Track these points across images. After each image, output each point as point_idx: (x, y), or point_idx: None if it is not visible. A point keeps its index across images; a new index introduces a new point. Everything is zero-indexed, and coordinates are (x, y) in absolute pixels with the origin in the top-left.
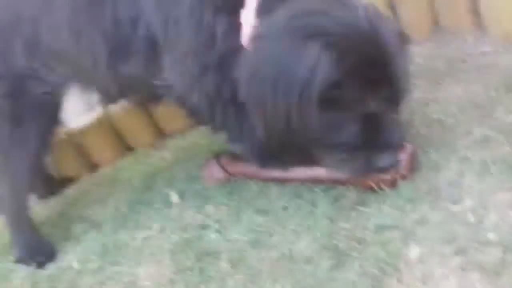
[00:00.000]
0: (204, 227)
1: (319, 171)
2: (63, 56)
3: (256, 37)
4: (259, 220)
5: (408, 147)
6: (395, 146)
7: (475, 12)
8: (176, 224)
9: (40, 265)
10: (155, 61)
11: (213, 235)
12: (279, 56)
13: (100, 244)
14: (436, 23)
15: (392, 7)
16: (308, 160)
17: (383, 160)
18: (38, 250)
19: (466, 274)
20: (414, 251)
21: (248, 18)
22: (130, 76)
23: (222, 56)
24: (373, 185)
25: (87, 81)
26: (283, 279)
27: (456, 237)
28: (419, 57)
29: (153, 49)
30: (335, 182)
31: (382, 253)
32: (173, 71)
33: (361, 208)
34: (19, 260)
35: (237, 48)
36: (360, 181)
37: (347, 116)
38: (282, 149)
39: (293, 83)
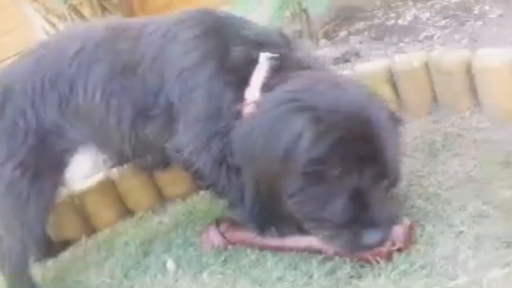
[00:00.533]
0: None
1: (315, 241)
2: (90, 115)
3: (252, 111)
4: None
5: (405, 220)
6: (383, 223)
7: (472, 89)
8: None
9: None
10: (169, 125)
11: None
12: (268, 124)
13: None
14: (434, 100)
15: (393, 84)
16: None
17: (370, 237)
18: None
19: None
20: None
21: (251, 94)
22: (147, 137)
23: (227, 125)
24: (369, 257)
25: (105, 140)
26: None
27: None
28: (418, 131)
29: (169, 116)
30: (331, 253)
31: None
32: (185, 136)
33: (356, 281)
34: None
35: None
36: (356, 254)
37: (332, 191)
38: (273, 212)
39: (278, 150)
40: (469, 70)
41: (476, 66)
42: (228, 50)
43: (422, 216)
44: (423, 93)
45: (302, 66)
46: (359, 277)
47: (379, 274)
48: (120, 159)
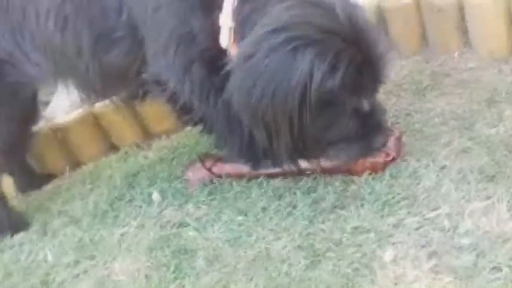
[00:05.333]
0: (183, 225)
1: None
2: (47, 46)
3: (245, 58)
4: (238, 220)
5: (395, 131)
6: (383, 127)
7: (462, 29)
8: (155, 221)
9: (12, 233)
10: (137, 50)
11: (191, 233)
12: (273, 73)
13: (77, 239)
14: (424, 39)
15: (383, 22)
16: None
17: (377, 140)
18: (9, 221)
19: (439, 277)
20: (388, 254)
21: (225, 21)
22: (115, 65)
23: (203, 51)
24: (366, 170)
25: (70, 75)
26: (257, 277)
27: (431, 242)
28: (406, 70)
29: (134, 35)
30: (325, 172)
31: (357, 254)
32: (157, 64)
33: (339, 211)
34: None
35: (217, 48)
36: (353, 168)
37: (340, 112)
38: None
39: (290, 93)
40: (460, 8)
41: (466, 3)
42: None
43: (407, 152)
44: (413, 31)
45: None
46: (342, 207)
47: (362, 205)
48: (93, 96)
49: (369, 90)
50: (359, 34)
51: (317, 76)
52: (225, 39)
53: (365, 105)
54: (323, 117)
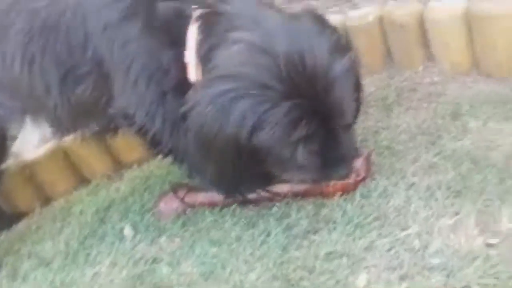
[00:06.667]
0: (156, 260)
1: (277, 188)
2: (14, 86)
3: (194, 102)
4: (212, 251)
5: (363, 151)
6: (346, 157)
7: (424, 44)
8: (128, 258)
9: None
10: (103, 84)
11: (165, 269)
12: (213, 119)
13: (48, 282)
14: (388, 55)
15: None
16: (268, 181)
17: (338, 172)
18: None
19: None
20: (361, 279)
21: (189, 57)
22: (82, 101)
23: (177, 85)
24: (337, 192)
25: (39, 112)
26: None
27: (402, 263)
28: (372, 86)
29: (100, 70)
30: (297, 195)
31: (331, 281)
32: (125, 98)
33: (312, 236)
34: None
35: (187, 83)
36: (325, 190)
37: (290, 147)
38: (238, 178)
39: (227, 140)
40: (421, 23)
41: (427, 18)
42: (154, 3)
43: (377, 170)
44: (377, 48)
45: (235, 25)
46: (315, 232)
47: (334, 228)
48: (64, 130)
49: (316, 138)
50: (302, 86)
51: (246, 128)
52: (192, 74)
53: (302, 155)
54: (264, 159)
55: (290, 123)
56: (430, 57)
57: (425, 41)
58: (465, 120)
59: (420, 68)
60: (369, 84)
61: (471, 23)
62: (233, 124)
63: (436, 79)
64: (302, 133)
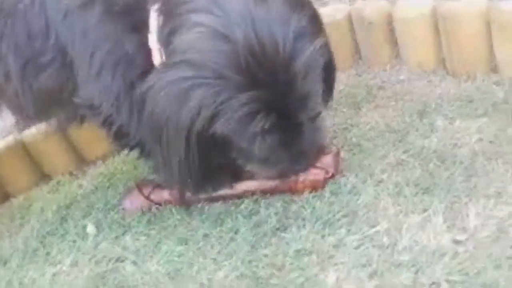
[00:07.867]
0: (120, 259)
1: (245, 185)
2: None
3: (149, 86)
4: (179, 250)
5: (333, 148)
6: (308, 152)
7: (392, 42)
8: (90, 257)
9: None
10: (68, 72)
11: (129, 268)
12: (166, 105)
13: (5, 282)
14: (357, 53)
15: None
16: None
17: (298, 167)
18: None
19: None
20: (331, 276)
21: (152, 42)
22: (45, 89)
23: (143, 73)
24: (306, 189)
25: (1, 100)
26: None
27: (371, 260)
28: (341, 85)
29: (63, 58)
30: (265, 191)
31: (300, 279)
32: (90, 88)
33: (281, 234)
34: None
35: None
36: (294, 187)
37: (249, 137)
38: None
39: (179, 128)
40: (390, 22)
41: (395, 17)
42: None
43: (346, 167)
44: (346, 46)
45: (196, 7)
46: (284, 229)
47: (304, 225)
48: (26, 121)
49: (276, 132)
50: (262, 77)
51: (202, 119)
52: (157, 59)
53: (259, 149)
54: (224, 150)
55: (246, 116)
56: (398, 55)
57: (393, 39)
58: (432, 118)
59: (388, 66)
60: (339, 82)
61: (438, 22)
62: (187, 113)
63: (403, 77)
64: (259, 126)
